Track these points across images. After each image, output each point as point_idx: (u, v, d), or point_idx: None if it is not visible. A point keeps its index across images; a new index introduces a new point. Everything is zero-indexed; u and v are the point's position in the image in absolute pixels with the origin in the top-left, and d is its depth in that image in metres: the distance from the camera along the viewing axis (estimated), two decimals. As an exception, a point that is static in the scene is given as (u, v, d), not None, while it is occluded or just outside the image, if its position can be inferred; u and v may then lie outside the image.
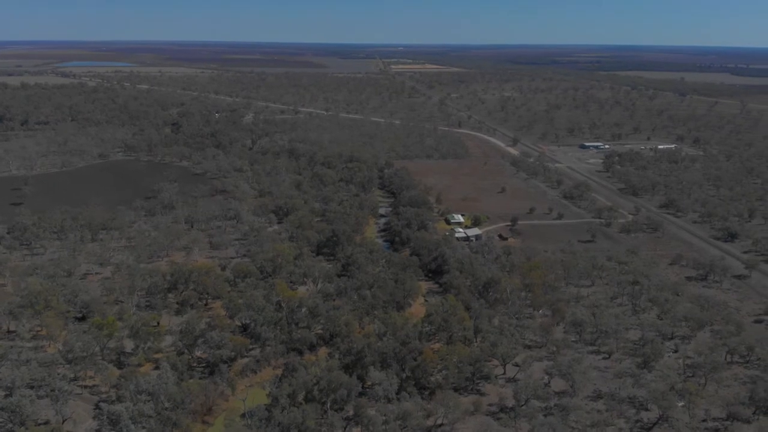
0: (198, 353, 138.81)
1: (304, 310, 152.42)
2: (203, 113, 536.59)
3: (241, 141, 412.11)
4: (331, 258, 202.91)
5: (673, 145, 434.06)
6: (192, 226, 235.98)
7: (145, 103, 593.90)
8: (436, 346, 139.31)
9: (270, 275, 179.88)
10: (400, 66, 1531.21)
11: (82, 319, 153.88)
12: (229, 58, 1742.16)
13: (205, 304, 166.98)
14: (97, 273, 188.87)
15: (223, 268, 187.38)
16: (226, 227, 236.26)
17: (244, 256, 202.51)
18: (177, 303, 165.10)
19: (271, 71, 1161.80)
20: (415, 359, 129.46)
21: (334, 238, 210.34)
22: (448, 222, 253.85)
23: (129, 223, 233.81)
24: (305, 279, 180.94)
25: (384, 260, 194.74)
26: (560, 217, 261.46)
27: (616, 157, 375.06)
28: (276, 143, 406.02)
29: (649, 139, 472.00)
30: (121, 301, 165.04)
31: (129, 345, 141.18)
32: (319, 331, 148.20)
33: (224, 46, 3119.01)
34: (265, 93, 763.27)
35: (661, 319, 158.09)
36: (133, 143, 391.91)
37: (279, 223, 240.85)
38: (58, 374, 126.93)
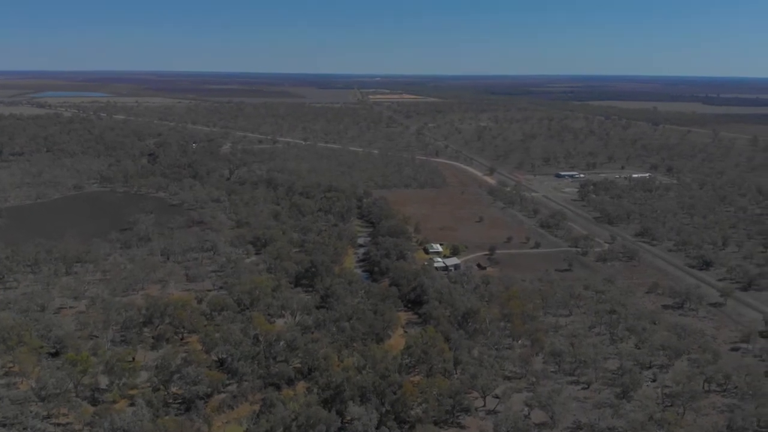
0: (174, 389, 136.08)
1: (282, 343, 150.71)
2: (180, 143, 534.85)
3: (219, 171, 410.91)
4: (310, 289, 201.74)
5: (647, 174, 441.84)
6: (168, 259, 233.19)
7: (122, 134, 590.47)
8: (416, 378, 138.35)
9: (247, 308, 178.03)
10: (378, 96, 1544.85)
11: (56, 354, 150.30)
12: (207, 88, 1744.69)
13: (181, 339, 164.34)
14: (71, 307, 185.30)
15: (200, 301, 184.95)
16: (203, 259, 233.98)
17: (221, 288, 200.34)
18: (152, 337, 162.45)
19: (249, 101, 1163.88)
20: (394, 393, 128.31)
21: (313, 269, 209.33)
22: (426, 251, 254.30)
23: (104, 256, 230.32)
24: (283, 311, 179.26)
25: (363, 291, 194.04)
26: (537, 246, 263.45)
27: (591, 186, 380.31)
28: (254, 173, 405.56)
29: (623, 168, 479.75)
30: (96, 336, 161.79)
31: (103, 381, 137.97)
32: (298, 365, 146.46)
33: (202, 76, 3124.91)
34: (243, 123, 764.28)
35: (639, 348, 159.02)
36: (109, 174, 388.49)
37: (257, 254, 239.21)
38: (31, 412, 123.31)
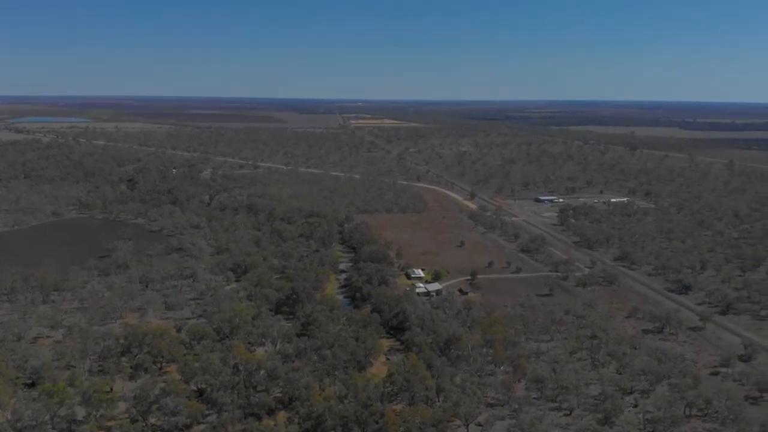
0: (152, 420, 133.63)
1: (262, 372, 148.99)
2: (160, 169, 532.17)
3: (199, 197, 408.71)
4: (291, 317, 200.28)
5: (625, 199, 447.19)
6: (147, 286, 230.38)
7: (101, 160, 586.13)
8: (398, 407, 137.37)
9: (227, 336, 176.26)
10: (360, 121, 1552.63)
11: (32, 385, 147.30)
12: (188, 113, 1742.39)
13: (160, 368, 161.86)
14: (48, 336, 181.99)
15: (179, 330, 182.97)
16: (182, 286, 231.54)
17: (201, 316, 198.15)
18: (131, 367, 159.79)
19: (230, 126, 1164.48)
20: (376, 422, 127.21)
21: (294, 296, 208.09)
22: (408, 277, 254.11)
23: (82, 284, 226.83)
24: (264, 340, 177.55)
25: (345, 318, 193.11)
26: (518, 270, 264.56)
27: (571, 211, 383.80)
28: (234, 199, 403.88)
29: (602, 192, 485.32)
30: (73, 366, 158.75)
31: (81, 412, 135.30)
32: (278, 395, 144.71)
33: (183, 101, 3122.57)
34: (224, 148, 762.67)
35: (620, 374, 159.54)
36: (87, 200, 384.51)
37: (237, 281, 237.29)
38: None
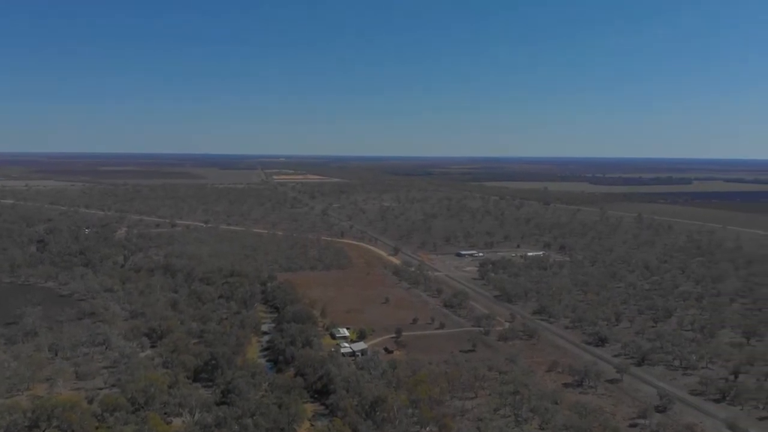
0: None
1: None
2: (72, 229, 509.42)
3: (113, 258, 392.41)
4: (210, 384, 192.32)
5: (541, 252, 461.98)
6: (56, 355, 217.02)
7: (9, 220, 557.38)
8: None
9: (142, 407, 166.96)
10: (283, 176, 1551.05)
11: None
12: (102, 170, 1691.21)
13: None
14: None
15: (90, 401, 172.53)
16: (94, 354, 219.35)
17: (114, 386, 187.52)
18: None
19: (146, 183, 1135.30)
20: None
21: (213, 362, 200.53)
22: (333, 336, 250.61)
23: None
24: (181, 410, 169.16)
25: (267, 383, 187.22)
26: (442, 326, 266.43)
27: (490, 265, 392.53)
28: (151, 259, 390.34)
29: (518, 246, 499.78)
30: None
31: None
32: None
33: (97, 157, 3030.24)
34: (140, 206, 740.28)
35: (543, 429, 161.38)
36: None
37: (152, 347, 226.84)
38: None
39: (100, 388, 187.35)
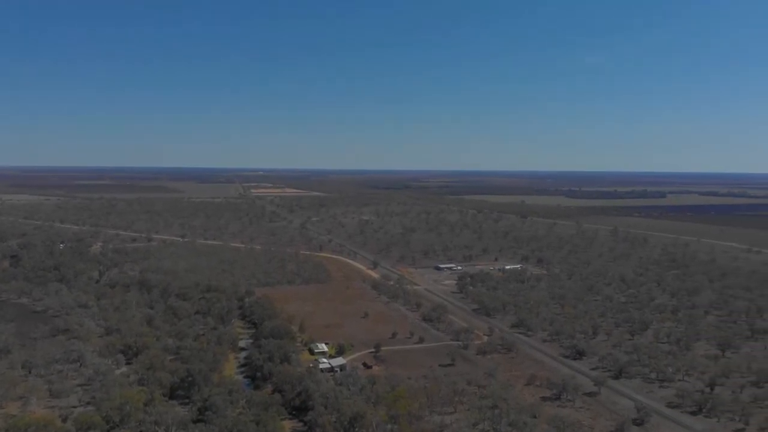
0: None
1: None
2: (46, 244, 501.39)
3: (88, 273, 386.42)
4: (187, 401, 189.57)
5: (519, 265, 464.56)
6: (30, 372, 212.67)
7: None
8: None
9: (117, 425, 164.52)
10: (261, 190, 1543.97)
11: None
12: (77, 184, 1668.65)
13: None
14: None
15: (64, 420, 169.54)
16: (68, 372, 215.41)
17: (88, 404, 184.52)
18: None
19: (122, 197, 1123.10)
20: None
21: (190, 379, 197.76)
22: (312, 352, 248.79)
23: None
24: (157, 428, 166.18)
25: (244, 400, 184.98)
26: (421, 340, 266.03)
27: (469, 278, 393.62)
28: (126, 274, 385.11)
29: (496, 259, 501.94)
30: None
31: None
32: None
33: (72, 171, 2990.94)
34: (116, 220, 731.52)
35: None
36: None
37: (128, 364, 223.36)
38: None
39: (75, 406, 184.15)
